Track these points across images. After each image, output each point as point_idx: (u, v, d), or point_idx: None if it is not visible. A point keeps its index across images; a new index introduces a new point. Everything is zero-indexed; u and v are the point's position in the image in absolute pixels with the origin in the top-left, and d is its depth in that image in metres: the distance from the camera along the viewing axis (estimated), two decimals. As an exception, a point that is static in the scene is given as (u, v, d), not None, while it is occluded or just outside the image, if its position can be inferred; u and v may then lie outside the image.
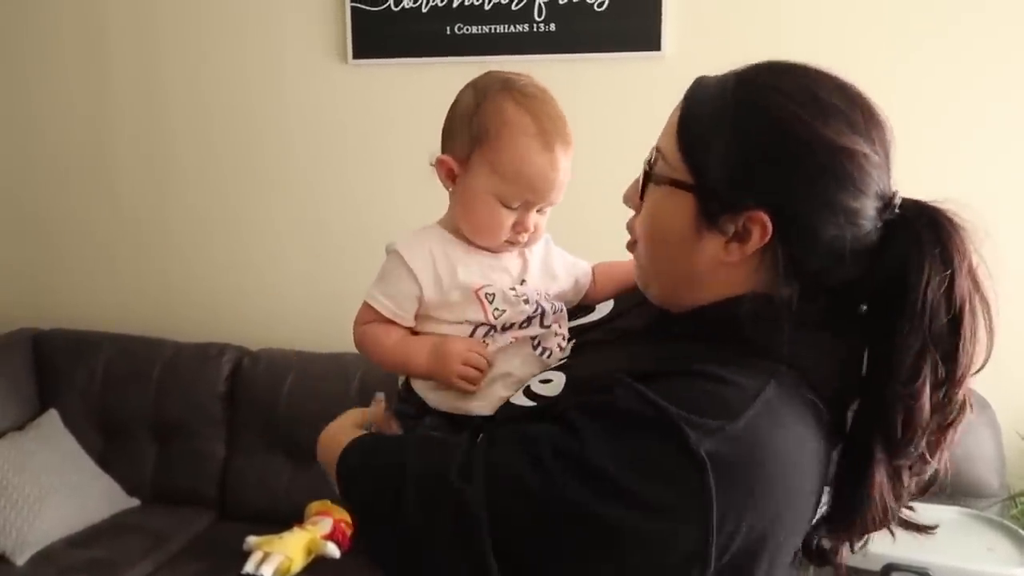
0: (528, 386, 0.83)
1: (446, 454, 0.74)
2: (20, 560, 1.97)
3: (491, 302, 0.88)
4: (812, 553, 0.79)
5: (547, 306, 0.91)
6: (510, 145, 0.86)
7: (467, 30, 2.18)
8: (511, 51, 2.15)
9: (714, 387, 0.68)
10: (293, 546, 1.94)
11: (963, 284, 0.67)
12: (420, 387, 0.92)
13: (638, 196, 0.80)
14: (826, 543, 0.78)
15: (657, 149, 0.78)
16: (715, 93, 0.73)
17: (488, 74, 0.91)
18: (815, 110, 0.69)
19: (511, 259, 0.93)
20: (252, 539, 1.97)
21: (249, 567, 1.89)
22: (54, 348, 2.46)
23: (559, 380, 0.80)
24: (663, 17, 2.09)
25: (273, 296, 2.51)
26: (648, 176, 0.77)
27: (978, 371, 0.69)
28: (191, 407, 2.31)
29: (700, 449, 0.63)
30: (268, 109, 2.40)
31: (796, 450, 0.69)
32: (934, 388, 0.68)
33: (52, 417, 2.34)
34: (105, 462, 2.30)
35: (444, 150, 0.92)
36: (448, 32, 2.20)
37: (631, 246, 0.83)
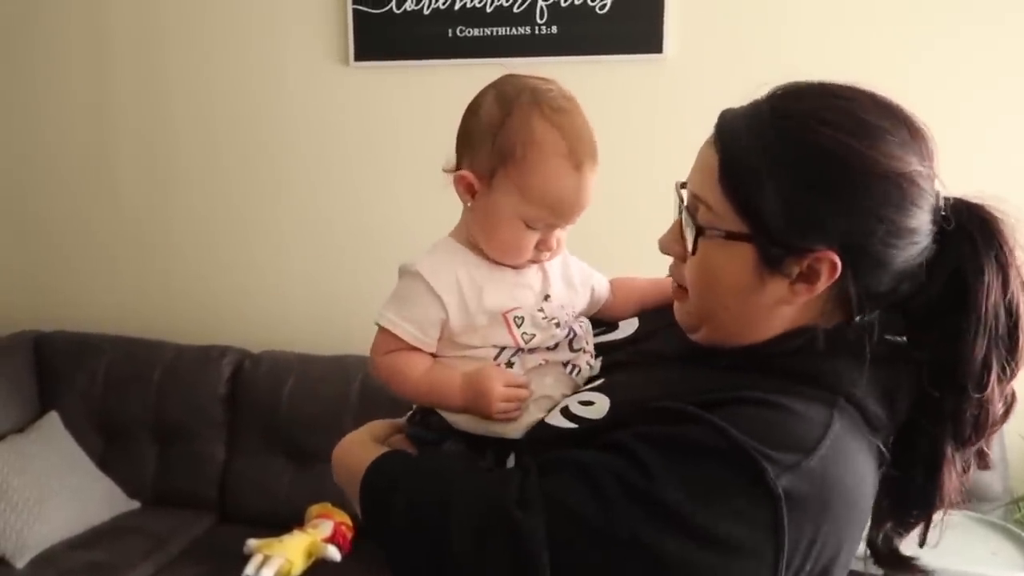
0: (566, 406, 0.79)
1: (497, 482, 0.70)
2: (20, 563, 1.97)
3: (519, 326, 0.84)
4: (885, 558, 0.79)
5: (577, 328, 0.88)
6: (540, 167, 0.81)
7: (469, 32, 2.18)
8: (513, 53, 2.15)
9: (783, 418, 0.67)
10: (293, 549, 1.93)
11: (1016, 283, 0.69)
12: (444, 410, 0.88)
13: (679, 245, 0.77)
14: (895, 543, 0.78)
15: (695, 196, 0.74)
16: (752, 130, 0.70)
17: (512, 79, 0.85)
18: (865, 136, 0.67)
19: (532, 274, 0.89)
20: (252, 542, 1.96)
21: (249, 570, 1.88)
22: (55, 350, 2.46)
23: (602, 403, 0.77)
24: (665, 19, 2.08)
25: (274, 298, 2.51)
26: (699, 230, 0.72)
27: None
28: (192, 409, 2.31)
29: (777, 486, 0.62)
30: (270, 111, 2.40)
31: (860, 485, 0.69)
32: (999, 385, 0.69)
33: (53, 419, 2.34)
34: (106, 464, 2.30)
35: (461, 159, 0.87)
36: (450, 34, 2.20)
37: (679, 293, 0.80)
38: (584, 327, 0.90)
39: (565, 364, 0.86)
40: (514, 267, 0.87)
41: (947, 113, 1.97)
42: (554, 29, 2.14)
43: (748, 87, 0.75)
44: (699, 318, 0.78)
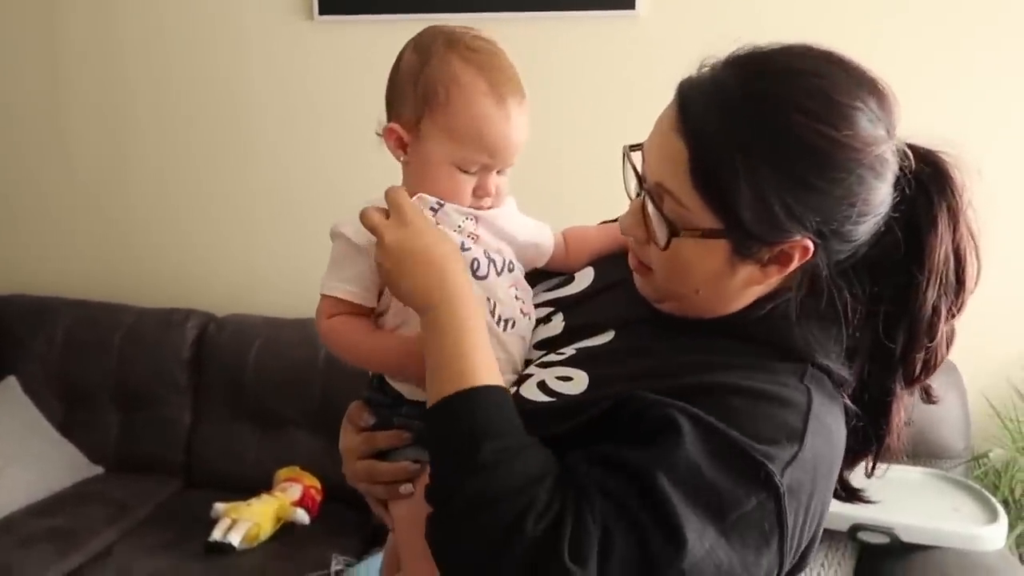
0: (543, 380, 0.78)
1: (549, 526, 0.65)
2: (-20, 530, 1.94)
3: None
4: (840, 492, 0.81)
5: (497, 259, 0.86)
6: (463, 106, 0.80)
7: (437, -14, 2.12)
8: (481, 8, 2.08)
9: (770, 409, 0.69)
10: (261, 513, 1.92)
11: (964, 232, 0.72)
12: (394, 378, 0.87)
13: (643, 230, 0.75)
14: (845, 475, 0.80)
15: (661, 187, 0.72)
16: (724, 118, 0.68)
17: (429, 29, 0.86)
18: (841, 122, 0.66)
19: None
20: (220, 506, 1.94)
21: (216, 534, 1.87)
22: (12, 314, 2.39)
23: (580, 378, 0.77)
24: (638, -25, 2.04)
25: (239, 261, 2.45)
26: (672, 227, 0.71)
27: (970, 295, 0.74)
28: (155, 374, 2.27)
29: (782, 483, 0.65)
30: (230, 68, 2.33)
31: (837, 449, 0.73)
32: (946, 325, 0.73)
33: (11, 384, 2.28)
34: (67, 430, 2.26)
35: (390, 118, 0.86)
36: (417, -12, 2.13)
37: (641, 269, 0.79)
38: (510, 264, 0.87)
39: (491, 308, 0.83)
40: None
41: (919, 66, 1.97)
42: (524, -17, 2.09)
43: (723, 47, 0.72)
44: (665, 295, 0.79)
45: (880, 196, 0.69)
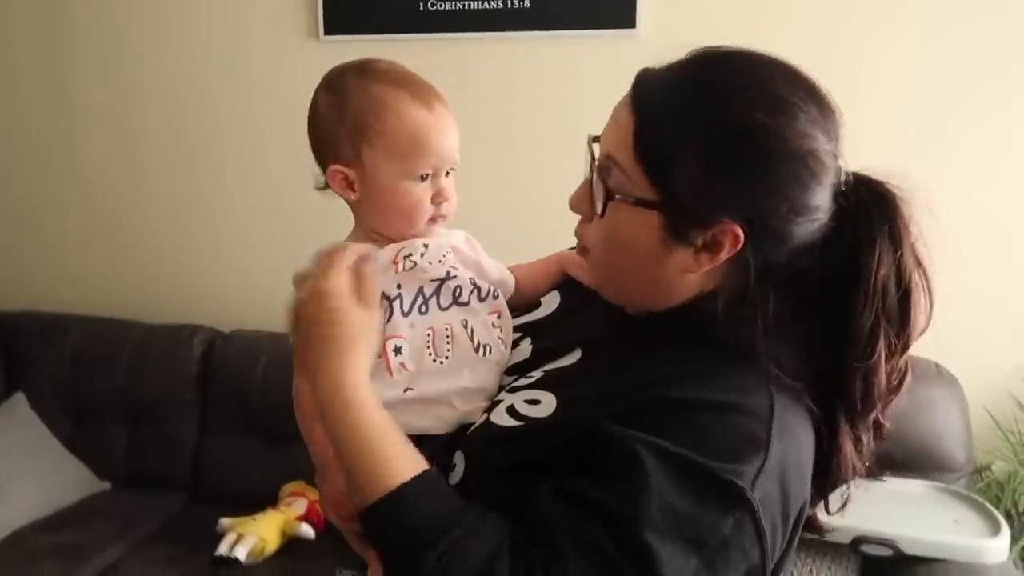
0: (512, 405, 0.79)
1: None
2: (-12, 545, 1.94)
3: (403, 263, 0.84)
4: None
5: (483, 286, 0.87)
6: (397, 122, 0.82)
7: (441, 6, 2.15)
8: (485, 28, 2.10)
9: (734, 420, 0.68)
10: (267, 527, 1.93)
11: (909, 260, 0.71)
12: None
13: (587, 204, 0.77)
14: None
15: (608, 156, 0.74)
16: (671, 99, 0.71)
17: (331, 71, 0.88)
18: (779, 114, 0.69)
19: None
20: (225, 520, 1.95)
21: (223, 549, 1.88)
22: (21, 330, 2.41)
23: (548, 400, 0.77)
24: (638, -6, 2.07)
25: (246, 277, 2.47)
26: (608, 192, 0.73)
27: (921, 334, 0.73)
28: (162, 389, 2.28)
29: (754, 498, 0.65)
30: (238, 87, 2.36)
31: (804, 449, 0.72)
32: (888, 359, 0.71)
33: (19, 400, 2.29)
34: (74, 446, 2.26)
35: (326, 164, 0.87)
36: (422, 8, 2.16)
37: (583, 252, 0.81)
38: (491, 290, 0.88)
39: (469, 332, 0.84)
40: (416, 235, 0.87)
41: (919, 91, 1.99)
42: (526, 3, 2.11)
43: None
44: (603, 276, 0.80)
45: (816, 200, 0.70)
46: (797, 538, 0.74)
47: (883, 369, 0.71)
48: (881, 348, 0.71)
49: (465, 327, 0.84)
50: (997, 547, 1.57)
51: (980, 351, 2.02)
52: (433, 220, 0.87)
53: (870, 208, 0.72)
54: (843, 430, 0.74)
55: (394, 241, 0.87)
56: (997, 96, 1.97)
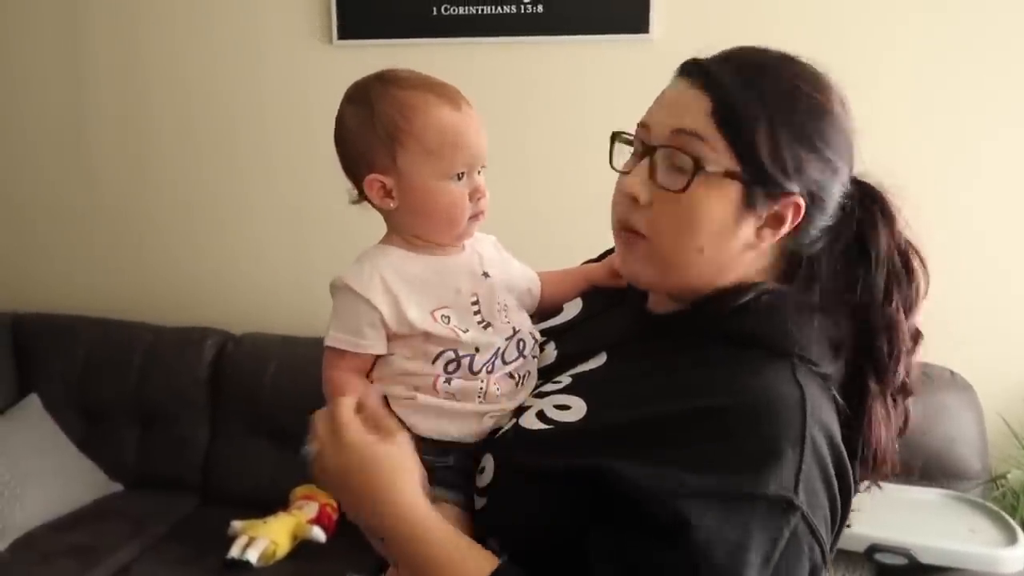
0: (541, 410, 0.80)
1: None
2: (1, 546, 1.96)
3: (447, 322, 0.83)
4: None
5: (521, 327, 0.87)
6: (428, 122, 0.83)
7: (454, 11, 2.15)
8: (498, 32, 2.11)
9: (768, 421, 0.70)
10: (278, 530, 1.93)
11: (904, 237, 0.81)
12: (400, 410, 0.85)
13: (648, 190, 0.77)
14: None
15: (685, 131, 0.74)
16: (741, 77, 0.75)
17: (352, 86, 0.88)
18: (831, 93, 0.76)
19: (467, 257, 0.89)
20: (237, 523, 1.96)
21: (234, 552, 1.88)
22: (34, 332, 2.43)
23: (578, 406, 0.78)
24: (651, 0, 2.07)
25: (257, 280, 2.48)
26: (697, 164, 0.73)
27: (923, 299, 0.81)
28: (174, 392, 2.29)
29: (802, 503, 0.67)
30: (250, 91, 2.37)
31: (839, 439, 0.74)
32: (908, 314, 0.79)
33: (33, 402, 2.32)
34: (87, 447, 2.28)
35: (361, 176, 0.86)
36: (435, 13, 2.16)
37: (633, 242, 0.80)
38: (536, 338, 0.89)
39: (511, 376, 0.85)
40: (459, 237, 0.88)
41: (935, 92, 1.98)
42: (539, 8, 2.11)
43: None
44: (662, 262, 0.79)
45: (842, 177, 0.77)
46: (849, 512, 0.76)
47: (901, 318, 0.78)
48: (896, 299, 0.78)
49: (513, 378, 0.86)
50: (1013, 557, 1.55)
51: (996, 359, 2.00)
52: (474, 217, 0.87)
53: (865, 201, 0.80)
54: (873, 393, 0.77)
55: (435, 244, 0.87)
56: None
